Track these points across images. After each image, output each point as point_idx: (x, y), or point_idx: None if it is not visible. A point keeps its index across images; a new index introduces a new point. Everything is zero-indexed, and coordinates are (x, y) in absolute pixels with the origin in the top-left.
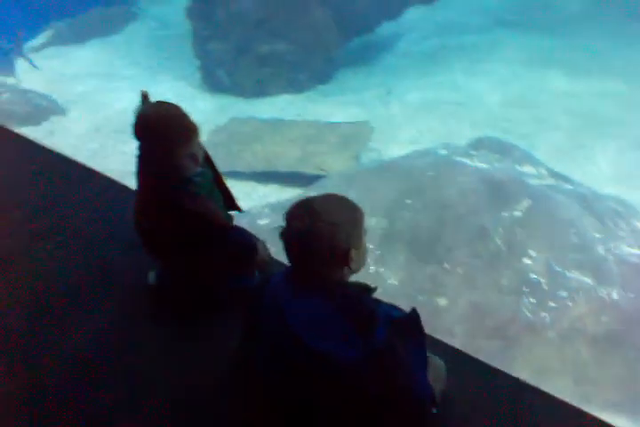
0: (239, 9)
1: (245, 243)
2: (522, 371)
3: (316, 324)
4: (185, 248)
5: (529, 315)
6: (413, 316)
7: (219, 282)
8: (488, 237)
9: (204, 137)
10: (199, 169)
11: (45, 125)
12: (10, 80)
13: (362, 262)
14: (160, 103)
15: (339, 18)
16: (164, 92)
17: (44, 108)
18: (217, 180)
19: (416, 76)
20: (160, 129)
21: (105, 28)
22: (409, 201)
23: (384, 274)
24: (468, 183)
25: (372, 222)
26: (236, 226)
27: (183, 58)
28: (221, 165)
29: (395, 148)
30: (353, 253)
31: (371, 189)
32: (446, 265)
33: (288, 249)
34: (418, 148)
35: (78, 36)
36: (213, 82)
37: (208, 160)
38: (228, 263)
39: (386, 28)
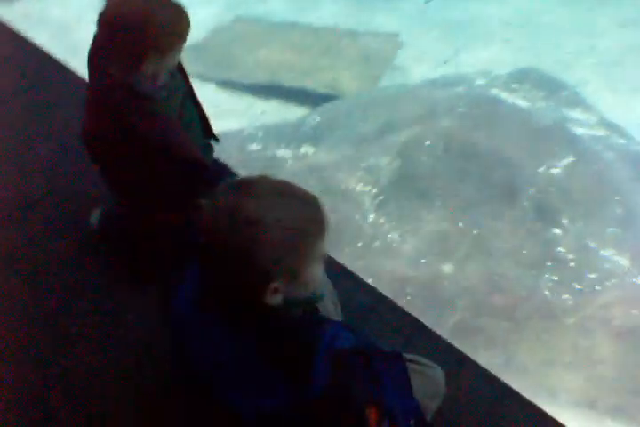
0: None
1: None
2: (526, 360)
3: (226, 365)
4: (141, 184)
5: (548, 295)
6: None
7: (176, 231)
8: (515, 196)
9: (200, 37)
10: (164, 82)
11: (20, 6)
12: None
13: (306, 290)
14: None
15: None
16: None
17: None
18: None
19: None
20: (139, 27)
21: None
22: (428, 142)
23: (383, 226)
24: (502, 127)
25: (383, 162)
26: (213, 161)
27: None
28: (217, 72)
29: (424, 68)
30: (278, 284)
31: (387, 120)
32: (460, 224)
33: (203, 244)
34: (451, 71)
35: None
36: None
37: (181, 71)
38: (193, 207)
39: None
